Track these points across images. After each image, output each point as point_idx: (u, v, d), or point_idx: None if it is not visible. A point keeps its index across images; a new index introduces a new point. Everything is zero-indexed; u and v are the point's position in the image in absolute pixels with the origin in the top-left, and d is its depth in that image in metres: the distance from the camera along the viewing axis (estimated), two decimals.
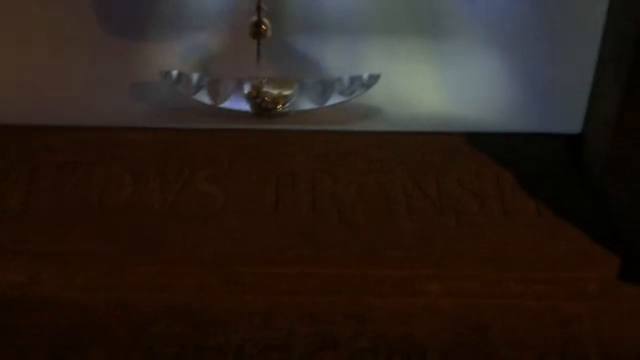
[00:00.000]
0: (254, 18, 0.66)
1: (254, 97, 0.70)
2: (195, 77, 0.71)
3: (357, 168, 0.62)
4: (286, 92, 0.70)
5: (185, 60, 0.72)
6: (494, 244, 0.57)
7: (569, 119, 0.65)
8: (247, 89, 0.70)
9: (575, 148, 0.64)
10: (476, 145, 0.64)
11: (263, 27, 0.66)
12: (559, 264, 0.56)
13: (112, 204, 0.59)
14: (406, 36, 0.74)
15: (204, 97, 0.69)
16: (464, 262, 0.56)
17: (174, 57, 0.73)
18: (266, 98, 0.70)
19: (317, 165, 0.62)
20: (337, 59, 0.73)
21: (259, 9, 0.66)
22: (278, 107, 0.69)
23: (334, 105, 0.69)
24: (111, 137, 0.63)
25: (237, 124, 0.67)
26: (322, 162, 0.62)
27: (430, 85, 0.71)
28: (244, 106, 0.69)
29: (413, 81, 0.72)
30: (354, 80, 0.71)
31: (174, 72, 0.71)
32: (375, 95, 0.70)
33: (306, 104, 0.69)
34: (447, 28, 0.74)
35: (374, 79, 0.70)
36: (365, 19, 0.75)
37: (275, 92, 0.70)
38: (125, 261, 0.56)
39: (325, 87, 0.71)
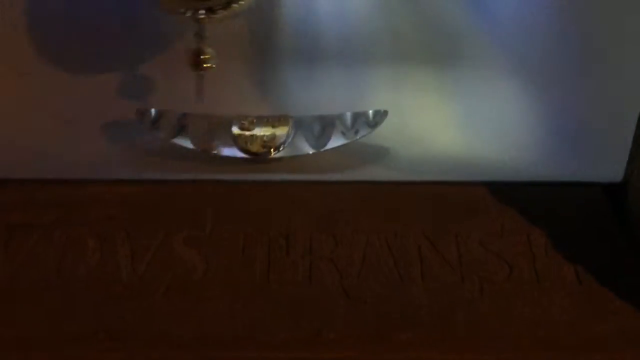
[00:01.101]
0: (194, 46, 0.56)
1: (243, 140, 0.61)
2: (175, 115, 0.62)
3: (362, 226, 0.54)
4: (279, 133, 0.61)
5: (164, 95, 0.64)
6: (526, 320, 0.49)
7: (608, 164, 0.56)
8: (235, 129, 0.62)
9: (616, 199, 0.56)
10: (501, 197, 0.56)
11: (204, 55, 0.57)
12: (605, 345, 0.47)
13: (72, 275, 0.50)
14: (416, 64, 0.65)
15: (185, 141, 0.61)
16: (490, 343, 0.47)
17: (151, 92, 0.64)
18: (256, 141, 0.61)
19: (315, 223, 0.54)
20: (336, 93, 0.64)
21: (199, 34, 0.57)
22: (270, 151, 0.61)
23: (334, 148, 0.61)
24: (74, 193, 0.55)
25: (223, 172, 0.59)
26: (321, 219, 0.54)
27: (445, 123, 0.63)
28: (231, 150, 0.61)
29: (425, 117, 0.63)
30: (358, 117, 0.62)
31: (152, 111, 0.62)
32: (381, 134, 0.61)
33: (303, 147, 0.61)
34: (464, 54, 0.65)
35: (380, 116, 0.62)
36: (367, 44, 0.66)
37: (266, 133, 0.61)
38: (86, 346, 0.47)
39: (325, 126, 0.62)
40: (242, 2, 0.56)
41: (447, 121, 0.63)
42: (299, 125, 0.63)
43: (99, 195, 0.55)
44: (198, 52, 0.57)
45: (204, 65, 0.57)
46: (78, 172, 0.56)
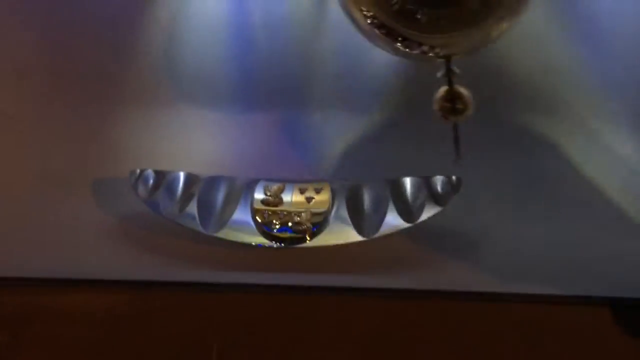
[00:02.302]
0: (443, 89, 0.40)
1: (266, 219, 0.46)
2: (181, 177, 0.47)
3: None
4: (315, 209, 0.46)
5: (168, 151, 0.49)
6: None
7: None
8: (256, 201, 0.46)
9: None
10: (634, 324, 0.39)
11: (460, 103, 0.40)
12: None
13: None
14: (497, 112, 0.49)
15: (191, 219, 0.45)
16: None
17: (150, 146, 0.49)
18: (285, 220, 0.46)
19: None
20: (390, 150, 0.49)
21: (449, 71, 0.40)
22: (304, 236, 0.45)
23: (391, 233, 0.45)
24: (25, 302, 0.40)
25: (239, 269, 0.43)
26: (377, 354, 0.38)
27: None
28: (251, 235, 0.45)
29: (503, 186, 0.47)
30: (421, 186, 0.46)
31: (149, 173, 0.47)
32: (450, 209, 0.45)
33: (346, 231, 0.45)
34: (564, 101, 0.49)
35: (452, 185, 0.46)
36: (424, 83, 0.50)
37: (299, 208, 0.46)
38: None
39: (377, 198, 0.46)
40: None
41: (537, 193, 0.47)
42: (340, 195, 0.47)
43: (67, 307, 0.40)
44: (451, 97, 0.39)
45: (461, 115, 0.39)
46: (32, 268, 0.41)
